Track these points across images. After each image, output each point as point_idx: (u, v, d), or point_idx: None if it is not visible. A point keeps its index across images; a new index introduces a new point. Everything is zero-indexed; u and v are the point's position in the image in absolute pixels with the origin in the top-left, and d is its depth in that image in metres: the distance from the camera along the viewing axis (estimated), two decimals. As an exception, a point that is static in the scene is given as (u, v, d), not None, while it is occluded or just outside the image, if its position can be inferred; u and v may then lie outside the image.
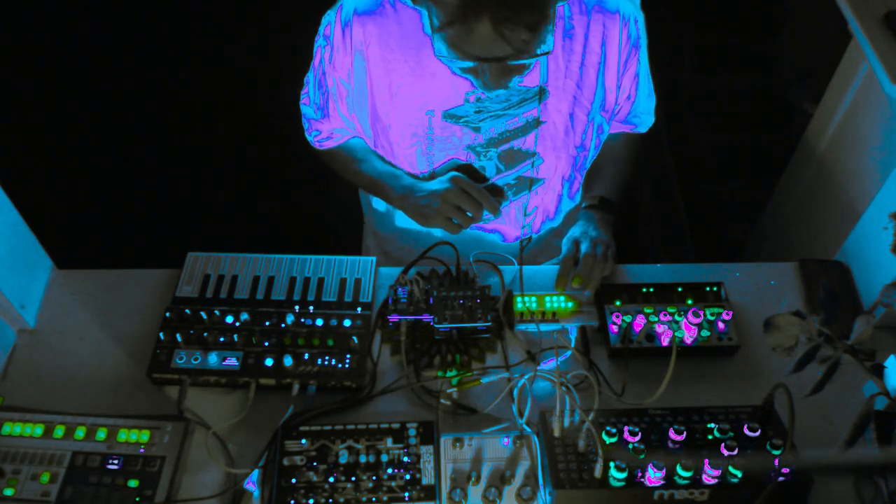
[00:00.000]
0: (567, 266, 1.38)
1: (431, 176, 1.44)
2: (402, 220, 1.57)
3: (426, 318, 1.31)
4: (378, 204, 1.61)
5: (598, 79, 1.36)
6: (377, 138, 1.44)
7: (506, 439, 1.17)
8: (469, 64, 1.19)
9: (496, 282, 1.41)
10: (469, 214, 1.38)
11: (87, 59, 3.23)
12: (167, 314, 1.30)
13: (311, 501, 1.11)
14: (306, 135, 1.55)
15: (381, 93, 1.36)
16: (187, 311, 1.30)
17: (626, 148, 1.57)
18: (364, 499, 1.11)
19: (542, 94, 1.34)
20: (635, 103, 1.46)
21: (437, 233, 1.52)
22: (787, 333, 1.06)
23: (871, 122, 1.68)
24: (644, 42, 1.38)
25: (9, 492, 1.11)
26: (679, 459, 1.08)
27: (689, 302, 1.34)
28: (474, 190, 1.37)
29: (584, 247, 1.39)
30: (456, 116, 1.36)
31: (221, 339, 1.28)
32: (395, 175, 1.45)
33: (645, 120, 1.54)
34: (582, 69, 1.34)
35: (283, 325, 1.30)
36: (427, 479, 1.13)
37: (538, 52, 1.16)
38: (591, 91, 1.37)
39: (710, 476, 1.09)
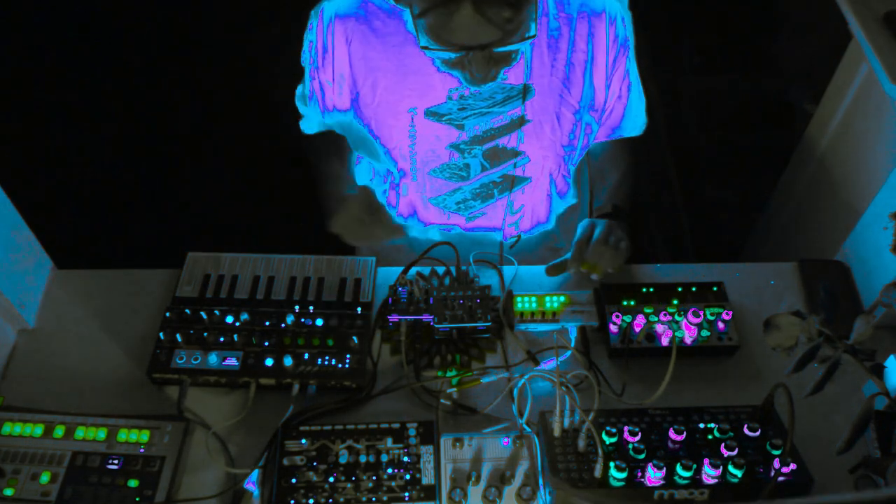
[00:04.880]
0: (581, 248, 1.35)
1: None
2: None
3: (426, 318, 1.31)
4: None
5: (586, 78, 1.35)
6: (359, 137, 1.44)
7: (506, 439, 1.17)
8: (453, 55, 1.18)
9: (496, 282, 1.41)
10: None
11: (87, 60, 3.23)
12: (167, 314, 1.30)
13: (311, 501, 1.11)
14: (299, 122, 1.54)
15: (364, 92, 1.36)
16: (187, 311, 1.30)
17: (625, 154, 1.53)
18: (364, 499, 1.11)
19: (527, 91, 1.34)
20: (627, 105, 1.44)
21: (437, 237, 1.52)
22: (787, 333, 1.05)
23: (871, 122, 1.68)
24: (632, 42, 1.36)
25: (9, 492, 1.11)
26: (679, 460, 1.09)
27: (689, 302, 1.34)
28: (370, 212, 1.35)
29: (597, 231, 1.37)
30: (438, 114, 1.36)
31: (221, 339, 1.28)
32: (344, 181, 1.47)
33: (638, 123, 1.51)
34: (568, 67, 1.34)
35: (283, 325, 1.30)
36: (427, 479, 1.13)
37: (523, 36, 1.15)
38: (579, 90, 1.36)
39: (710, 476, 1.09)
